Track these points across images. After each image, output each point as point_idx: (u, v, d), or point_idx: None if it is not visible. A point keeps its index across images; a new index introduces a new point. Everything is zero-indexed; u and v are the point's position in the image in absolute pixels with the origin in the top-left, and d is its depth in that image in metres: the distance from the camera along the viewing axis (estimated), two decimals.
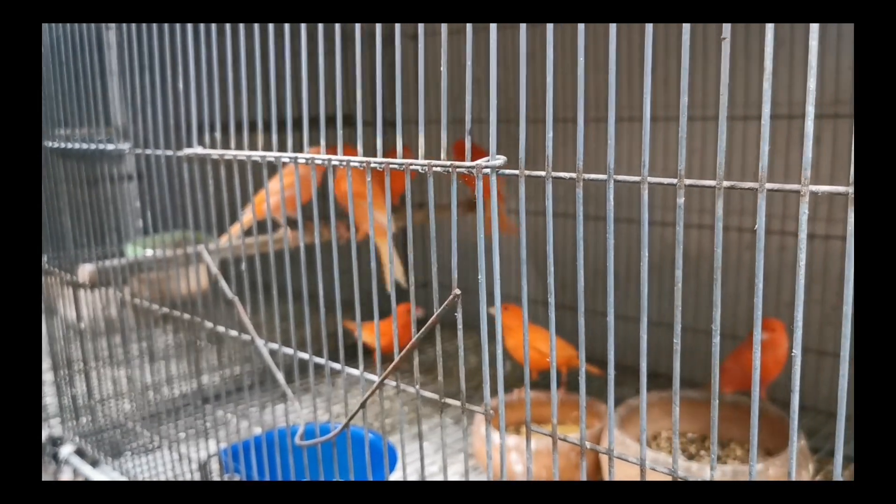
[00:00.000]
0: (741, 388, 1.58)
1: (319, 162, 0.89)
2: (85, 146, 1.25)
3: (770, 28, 0.56)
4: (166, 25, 1.07)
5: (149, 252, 1.47)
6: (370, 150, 0.86)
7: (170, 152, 1.10)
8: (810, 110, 0.54)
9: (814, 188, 0.56)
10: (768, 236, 1.81)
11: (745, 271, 1.87)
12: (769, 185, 0.57)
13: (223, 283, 1.05)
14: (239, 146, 0.99)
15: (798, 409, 0.62)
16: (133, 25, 1.13)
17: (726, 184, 0.59)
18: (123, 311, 1.50)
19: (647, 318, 0.68)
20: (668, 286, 0.66)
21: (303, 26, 0.87)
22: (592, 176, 0.68)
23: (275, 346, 1.06)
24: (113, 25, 1.21)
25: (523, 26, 0.70)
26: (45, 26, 1.33)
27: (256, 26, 0.94)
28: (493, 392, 0.99)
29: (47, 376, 1.87)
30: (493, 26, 0.71)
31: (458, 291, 0.78)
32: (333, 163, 0.88)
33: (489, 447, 0.80)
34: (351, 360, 0.95)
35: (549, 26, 0.67)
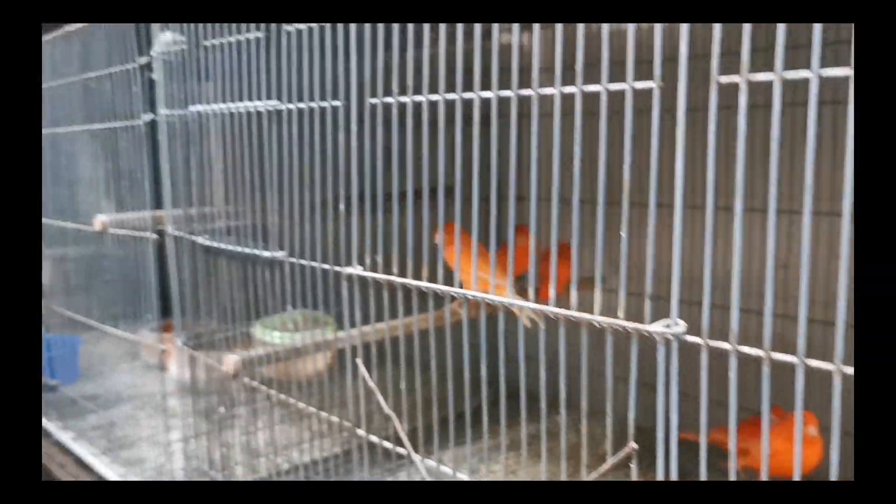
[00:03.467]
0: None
1: (486, 299, 0.94)
2: (240, 249, 1.34)
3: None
4: (330, 145, 1.15)
5: (284, 337, 1.55)
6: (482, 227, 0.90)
7: (326, 266, 1.17)
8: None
9: None
10: None
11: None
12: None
13: (380, 398, 1.10)
14: (402, 271, 1.05)
15: None
16: (289, 138, 1.21)
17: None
18: (249, 395, 1.58)
19: None
20: None
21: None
22: (780, 356, 0.70)
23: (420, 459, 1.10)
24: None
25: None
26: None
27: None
28: None
29: (173, 435, 1.93)
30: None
31: (634, 445, 0.80)
32: (496, 302, 0.93)
33: None
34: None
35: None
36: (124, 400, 2.32)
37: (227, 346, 1.64)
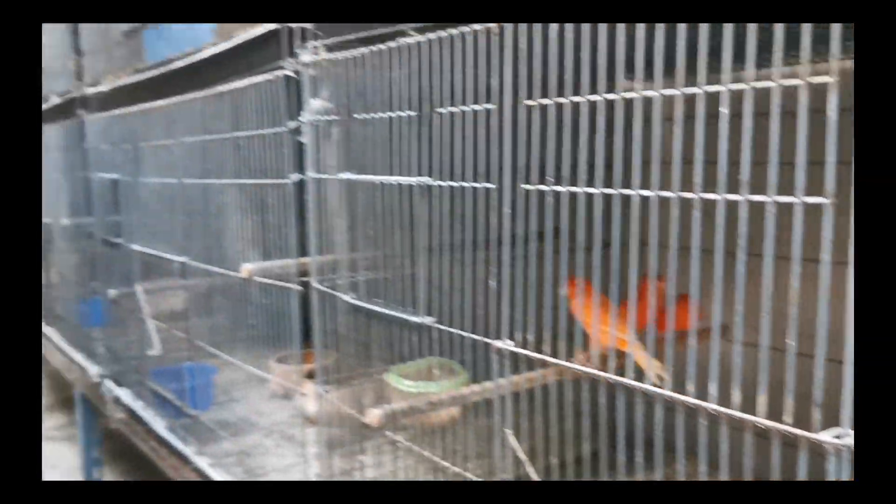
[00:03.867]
0: None
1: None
2: (387, 311, 1.42)
3: None
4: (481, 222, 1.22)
5: (417, 386, 1.63)
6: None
7: (476, 336, 1.24)
8: None
9: None
10: None
11: None
12: None
13: (531, 469, 1.15)
14: (555, 350, 1.11)
15: None
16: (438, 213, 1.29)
17: None
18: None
19: None
20: None
21: None
22: None
23: None
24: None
25: None
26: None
27: None
28: None
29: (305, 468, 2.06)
30: None
31: None
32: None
33: None
34: None
35: None
36: (254, 428, 2.46)
37: (363, 389, 1.74)
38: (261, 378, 2.58)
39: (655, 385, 1.08)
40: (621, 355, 1.69)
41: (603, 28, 0.99)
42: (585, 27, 1.01)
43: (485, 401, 1.42)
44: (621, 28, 0.96)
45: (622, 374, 1.03)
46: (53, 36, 3.04)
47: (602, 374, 1.05)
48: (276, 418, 2.50)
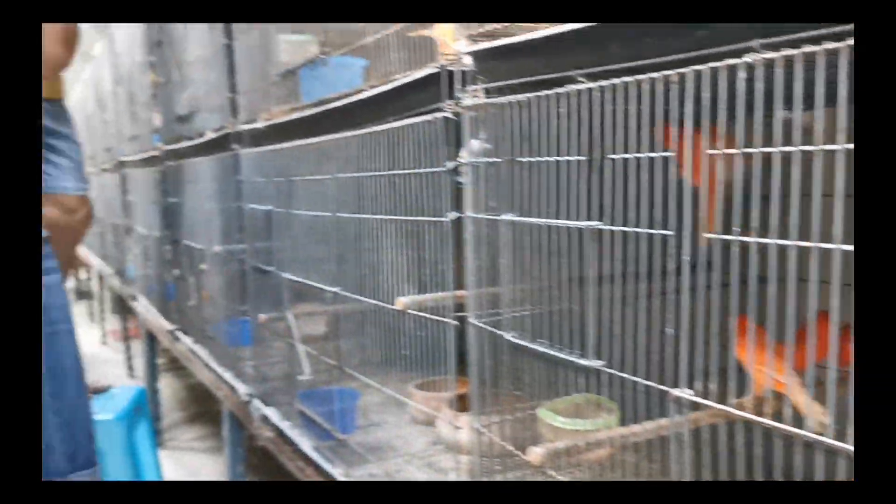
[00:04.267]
0: None
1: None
2: (555, 353, 1.45)
3: None
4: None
5: (568, 423, 1.64)
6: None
7: (652, 383, 1.24)
8: None
9: None
10: None
11: None
12: None
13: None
14: (740, 400, 1.09)
15: None
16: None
17: None
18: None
19: None
20: None
21: None
22: None
23: None
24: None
25: None
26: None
27: None
28: None
29: None
30: None
31: None
32: None
33: None
34: None
35: None
36: (395, 453, 2.53)
37: (515, 423, 1.76)
38: (400, 403, 2.65)
39: (818, 432, 1.05)
40: (780, 398, 1.64)
41: (799, 72, 0.98)
42: (779, 72, 1.00)
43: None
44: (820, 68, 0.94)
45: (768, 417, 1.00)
46: (210, 74, 3.28)
47: (752, 417, 1.03)
48: (417, 444, 2.56)
